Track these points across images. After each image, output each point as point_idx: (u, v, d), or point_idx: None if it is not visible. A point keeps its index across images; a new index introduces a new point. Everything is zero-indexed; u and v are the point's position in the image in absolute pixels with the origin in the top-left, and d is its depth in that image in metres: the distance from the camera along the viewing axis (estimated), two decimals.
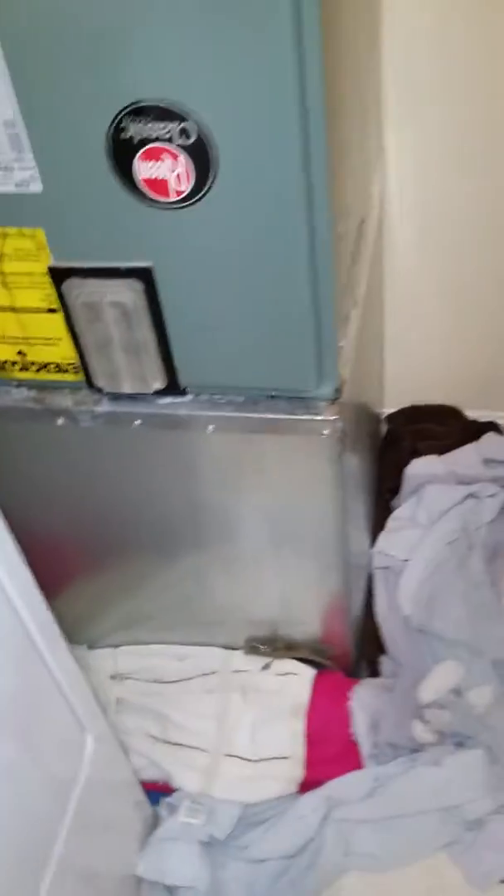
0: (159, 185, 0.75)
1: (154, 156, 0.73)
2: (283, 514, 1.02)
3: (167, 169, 0.74)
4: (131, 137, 0.72)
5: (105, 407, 0.94)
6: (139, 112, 0.71)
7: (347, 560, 1.07)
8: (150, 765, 1.18)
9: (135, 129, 0.72)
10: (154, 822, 1.18)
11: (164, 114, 0.71)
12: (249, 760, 1.16)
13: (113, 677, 1.27)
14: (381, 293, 1.39)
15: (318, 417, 0.89)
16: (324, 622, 1.17)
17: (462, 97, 1.20)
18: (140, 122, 0.71)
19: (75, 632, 1.29)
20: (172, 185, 0.75)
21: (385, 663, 1.26)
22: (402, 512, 1.40)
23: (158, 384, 0.90)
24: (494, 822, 1.11)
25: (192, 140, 0.72)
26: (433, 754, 1.15)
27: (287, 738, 1.16)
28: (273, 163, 0.72)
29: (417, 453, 1.44)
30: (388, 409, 1.54)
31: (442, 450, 1.43)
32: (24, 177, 0.77)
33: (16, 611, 0.82)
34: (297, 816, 1.14)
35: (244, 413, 0.91)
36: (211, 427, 0.92)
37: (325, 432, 0.90)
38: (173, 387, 0.91)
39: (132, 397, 0.92)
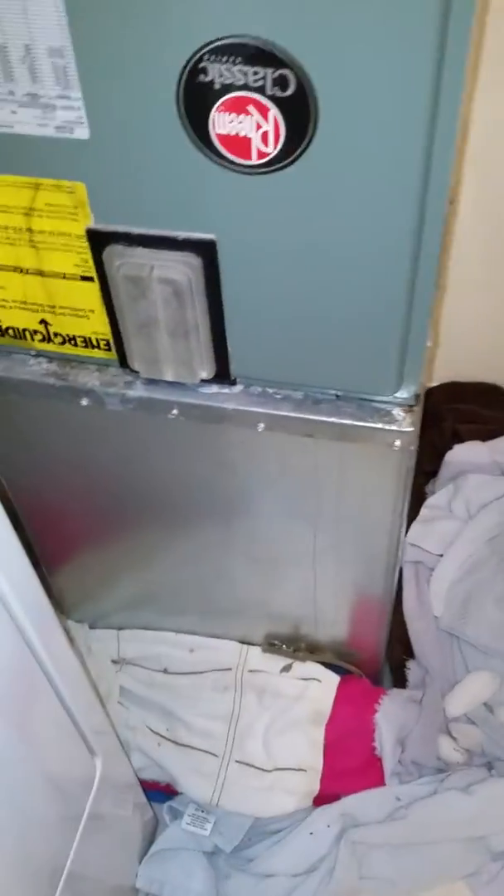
0: (239, 143, 0.60)
1: (237, 107, 0.58)
2: (331, 519, 0.90)
3: (252, 125, 0.58)
4: (211, 81, 0.57)
5: (138, 391, 0.80)
6: (226, 50, 0.55)
7: (395, 568, 0.95)
8: (153, 765, 1.09)
9: (217, 72, 0.56)
10: (154, 826, 1.09)
11: (258, 56, 0.55)
12: (262, 770, 1.07)
13: (115, 662, 1.17)
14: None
15: (392, 427, 0.76)
16: (356, 626, 1.07)
17: None
18: (226, 62, 0.56)
19: (77, 608, 1.19)
20: (256, 145, 0.60)
21: (412, 669, 1.16)
22: (438, 500, 1.28)
23: (206, 373, 0.76)
24: None
25: (289, 92, 0.56)
26: (461, 777, 1.06)
27: (305, 749, 1.07)
28: (391, 130, 0.57)
29: (458, 436, 1.31)
30: (428, 383, 1.40)
31: (486, 435, 1.30)
32: (69, 119, 0.61)
33: (23, 636, 0.70)
34: (309, 832, 1.06)
35: (303, 414, 0.77)
36: (261, 425, 0.79)
37: (398, 444, 0.77)
38: (223, 377, 0.78)
39: (171, 383, 0.78)
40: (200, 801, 1.05)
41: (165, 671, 1.14)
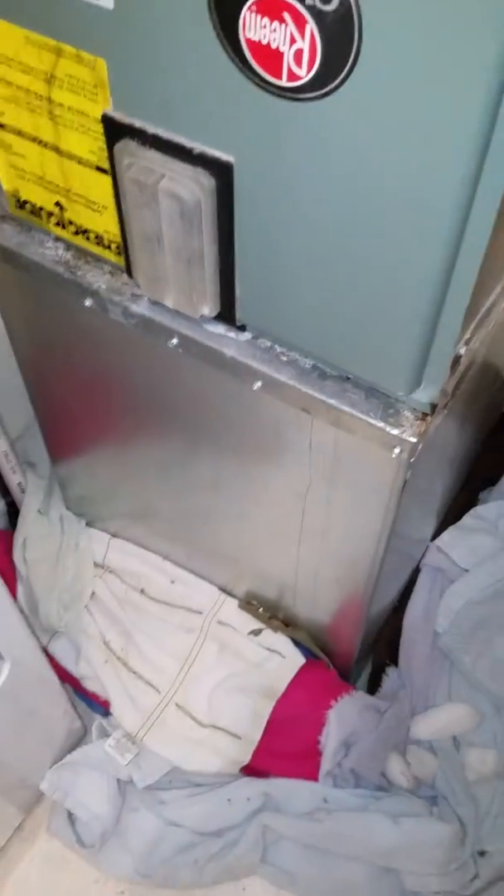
0: (270, 56, 0.49)
1: (272, 11, 0.47)
2: (321, 504, 0.81)
3: (285, 37, 0.48)
4: None
5: (142, 308, 0.72)
6: None
7: (376, 577, 0.86)
8: (96, 679, 1.06)
9: None
10: (81, 737, 1.07)
11: None
12: (199, 722, 1.02)
13: (98, 565, 1.13)
14: None
15: (393, 431, 0.65)
16: (333, 617, 0.99)
17: None
18: None
19: (77, 502, 1.16)
20: (288, 62, 0.49)
21: (391, 677, 1.07)
22: (486, 511, 1.16)
23: (207, 310, 0.68)
24: None
25: (331, 7, 0.45)
26: (398, 803, 0.99)
27: (247, 717, 1.01)
28: (449, 85, 0.45)
29: None
30: None
31: None
32: None
33: None
34: (226, 797, 1.02)
35: (304, 386, 0.68)
36: (258, 384, 0.70)
37: (396, 451, 0.66)
38: (227, 319, 0.69)
39: (178, 311, 0.70)
40: (127, 729, 1.02)
41: (142, 592, 1.10)
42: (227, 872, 1.00)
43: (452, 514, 1.17)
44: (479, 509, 1.16)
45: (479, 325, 0.65)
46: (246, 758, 1.01)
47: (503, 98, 0.45)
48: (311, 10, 0.46)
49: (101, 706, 1.07)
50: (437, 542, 1.12)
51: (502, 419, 1.23)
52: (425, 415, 0.66)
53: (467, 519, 1.15)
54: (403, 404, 0.66)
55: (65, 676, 1.09)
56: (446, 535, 1.13)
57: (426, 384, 0.64)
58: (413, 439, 0.65)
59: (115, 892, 1.02)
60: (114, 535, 1.14)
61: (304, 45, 0.47)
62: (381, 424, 0.66)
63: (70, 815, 1.03)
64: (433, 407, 0.65)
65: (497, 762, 1.01)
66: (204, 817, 1.02)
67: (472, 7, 0.42)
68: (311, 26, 0.46)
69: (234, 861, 0.99)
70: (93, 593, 1.11)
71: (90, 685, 1.07)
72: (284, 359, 0.69)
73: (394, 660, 1.08)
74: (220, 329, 0.70)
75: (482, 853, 0.98)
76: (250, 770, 1.03)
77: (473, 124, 0.46)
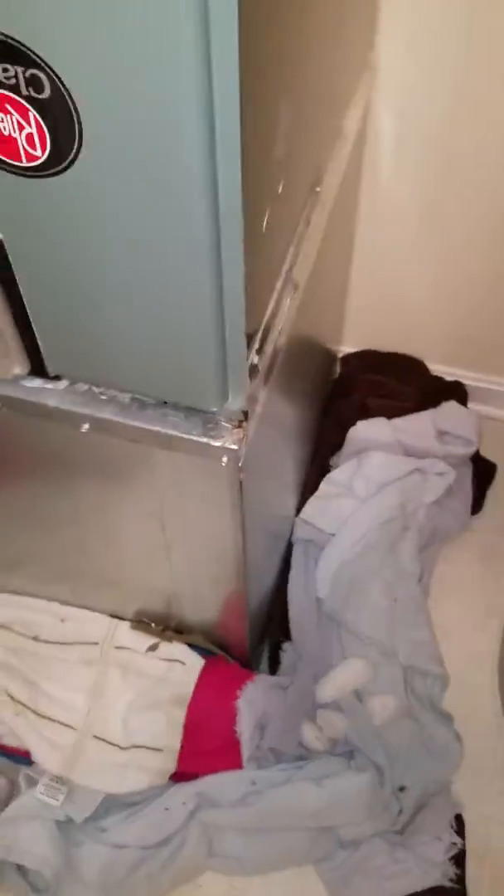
0: (6, 142, 0.53)
1: None
2: (175, 518, 0.86)
3: (13, 125, 0.51)
4: None
5: None
6: None
7: (248, 567, 0.91)
8: (11, 734, 1.08)
9: None
10: (10, 792, 1.09)
11: (5, 50, 0.47)
12: (119, 747, 1.06)
13: None
14: (353, 225, 1.15)
15: (216, 444, 0.71)
16: (219, 614, 1.04)
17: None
18: None
19: None
20: (23, 146, 0.53)
21: (287, 652, 1.14)
22: (339, 475, 1.24)
23: (19, 369, 0.71)
24: (369, 845, 1.04)
25: (45, 95, 0.49)
26: (318, 767, 1.06)
27: (164, 728, 1.06)
28: (166, 142, 0.50)
29: (367, 410, 1.25)
30: (347, 348, 1.33)
31: (395, 411, 1.25)
32: None
33: None
34: (163, 807, 1.06)
35: (127, 419, 0.72)
36: (86, 426, 0.74)
37: (224, 460, 0.72)
38: (40, 373, 0.72)
39: None
40: (53, 772, 1.05)
41: (36, 639, 1.12)
42: (180, 875, 1.04)
43: (309, 486, 1.24)
44: (332, 475, 1.24)
45: (265, 334, 0.71)
46: (171, 766, 1.05)
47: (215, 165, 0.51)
48: (29, 99, 0.50)
49: (24, 757, 1.09)
50: (302, 515, 1.19)
51: (335, 386, 1.31)
52: (241, 422, 0.72)
53: (323, 487, 1.22)
54: (220, 416, 0.72)
55: None
56: (308, 507, 1.20)
57: (233, 396, 0.70)
58: (235, 447, 0.71)
59: None
60: None
61: (32, 130, 0.51)
62: (204, 440, 0.71)
63: (19, 867, 1.05)
64: (245, 414, 0.71)
65: (397, 704, 1.10)
66: (147, 832, 1.06)
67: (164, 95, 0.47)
68: (33, 114, 0.50)
69: (183, 863, 1.04)
70: None
71: (8, 741, 1.09)
72: (104, 398, 0.73)
73: (287, 635, 1.15)
74: (36, 383, 0.74)
75: (402, 789, 1.06)
76: (179, 776, 1.07)
77: (200, 186, 0.52)
